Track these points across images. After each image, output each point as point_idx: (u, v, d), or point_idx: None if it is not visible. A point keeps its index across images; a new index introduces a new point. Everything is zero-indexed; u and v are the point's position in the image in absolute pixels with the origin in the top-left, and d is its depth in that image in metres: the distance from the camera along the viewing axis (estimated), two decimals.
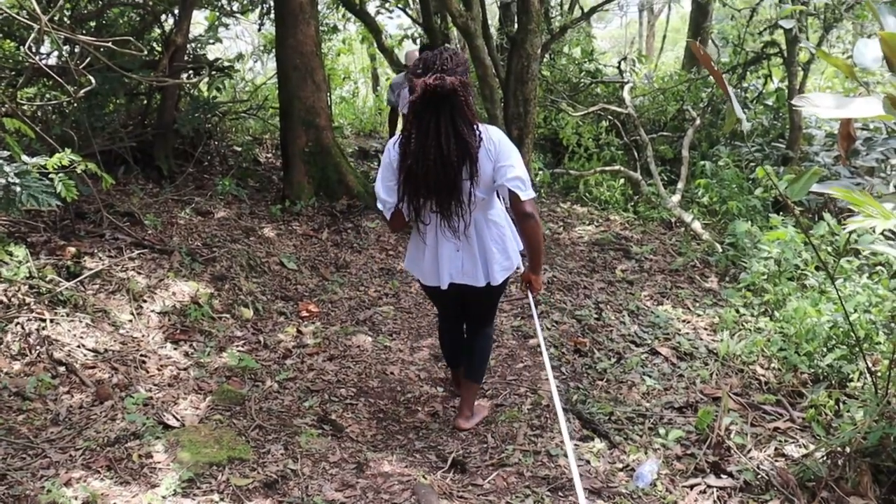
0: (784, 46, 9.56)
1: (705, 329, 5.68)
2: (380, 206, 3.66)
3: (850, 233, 5.78)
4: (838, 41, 11.70)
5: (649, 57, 16.71)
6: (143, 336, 4.66)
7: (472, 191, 3.49)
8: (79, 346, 4.32)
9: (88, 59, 5.12)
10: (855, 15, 8.79)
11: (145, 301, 5.00)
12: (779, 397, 4.46)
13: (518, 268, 3.87)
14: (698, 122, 10.39)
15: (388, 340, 5.33)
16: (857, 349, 4.52)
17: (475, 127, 3.41)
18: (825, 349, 4.88)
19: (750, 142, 10.24)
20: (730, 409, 4.22)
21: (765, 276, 5.94)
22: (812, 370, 4.75)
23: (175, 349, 4.66)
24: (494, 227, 3.71)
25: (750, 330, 5.47)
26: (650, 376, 4.78)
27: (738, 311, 5.77)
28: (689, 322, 5.77)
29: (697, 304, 6.16)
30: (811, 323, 4.99)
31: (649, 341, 5.35)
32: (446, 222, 3.56)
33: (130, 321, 4.75)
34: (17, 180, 3.86)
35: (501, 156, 3.45)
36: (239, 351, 4.79)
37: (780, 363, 4.93)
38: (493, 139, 3.47)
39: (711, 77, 11.43)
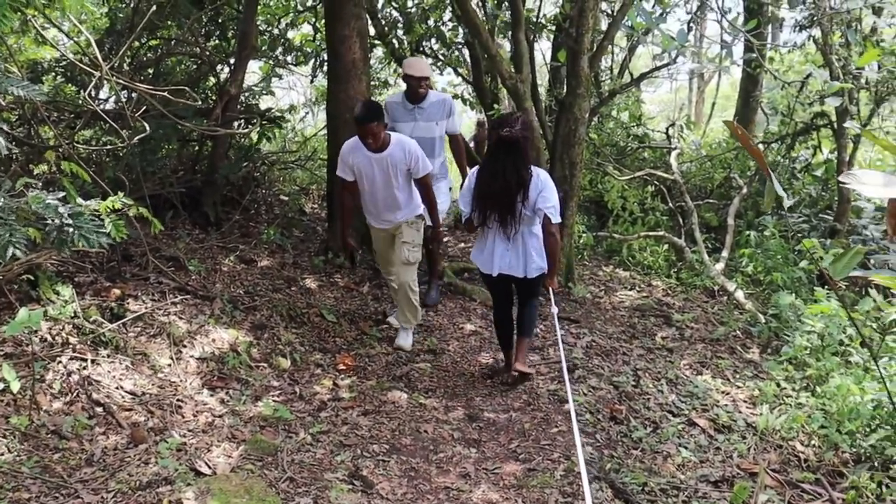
0: (834, 118, 9.51)
1: (745, 401, 5.59)
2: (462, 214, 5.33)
3: None
4: (891, 115, 11.61)
5: (697, 123, 16.67)
6: (180, 381, 4.70)
7: (522, 210, 5.03)
8: (117, 388, 4.38)
9: (145, 106, 5.26)
10: None
11: (185, 346, 5.06)
12: (818, 476, 4.36)
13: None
14: (745, 190, 10.33)
15: (424, 398, 5.30)
16: None
17: (529, 168, 5.01)
18: (868, 429, 4.78)
19: (797, 212, 10.14)
20: (767, 486, 4.14)
21: (808, 351, 5.84)
22: (854, 450, 4.65)
23: (211, 396, 4.69)
24: (535, 238, 5.21)
25: (790, 405, 5.37)
26: (686, 447, 4.70)
27: (778, 385, 5.68)
28: (728, 393, 5.69)
29: (738, 376, 6.08)
30: (854, 401, 4.89)
31: (686, 411, 5.28)
32: (502, 229, 5.12)
33: (169, 365, 4.81)
34: (71, 221, 3.96)
35: (545, 190, 5.03)
36: (274, 401, 4.81)
37: (821, 441, 4.83)
38: (541, 178, 5.07)
39: (759, 146, 11.40)
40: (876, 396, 4.84)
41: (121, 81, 4.82)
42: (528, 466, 4.42)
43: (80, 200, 3.98)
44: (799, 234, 9.45)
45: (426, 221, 6.10)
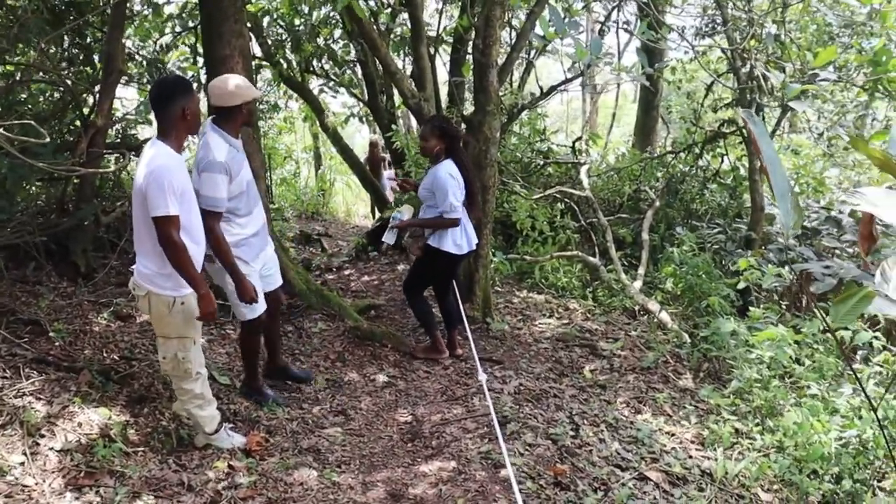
0: (742, 124, 9.26)
1: (692, 442, 5.05)
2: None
3: (854, 332, 5.28)
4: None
5: (601, 136, 16.40)
6: (36, 484, 3.79)
7: None
8: None
9: None
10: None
11: (43, 436, 4.14)
12: None
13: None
14: (657, 203, 9.96)
15: (337, 474, 4.41)
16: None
17: None
18: (837, 471, 4.35)
19: (706, 222, 9.91)
20: None
21: (759, 383, 5.36)
22: (820, 492, 4.21)
23: (77, 499, 3.79)
24: None
25: (745, 446, 4.88)
26: None
27: (725, 421, 5.18)
28: (673, 435, 5.13)
29: (678, 409, 5.55)
30: (818, 439, 4.44)
31: (635, 463, 4.67)
32: (468, 211, 6.19)
33: (22, 464, 3.89)
34: None
35: None
36: (156, 497, 3.94)
37: (786, 486, 4.37)
38: None
39: (667, 157, 11.13)
40: (842, 433, 4.44)
41: None
42: None
43: None
44: (714, 245, 9.15)
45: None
